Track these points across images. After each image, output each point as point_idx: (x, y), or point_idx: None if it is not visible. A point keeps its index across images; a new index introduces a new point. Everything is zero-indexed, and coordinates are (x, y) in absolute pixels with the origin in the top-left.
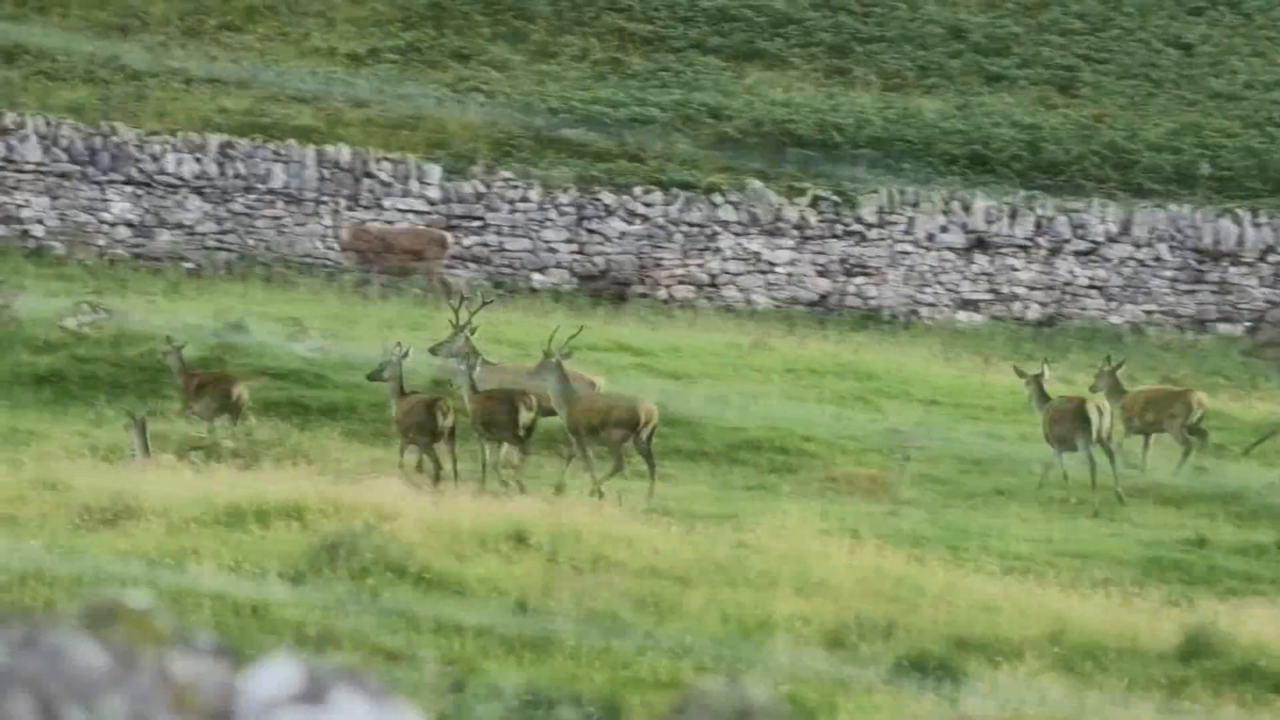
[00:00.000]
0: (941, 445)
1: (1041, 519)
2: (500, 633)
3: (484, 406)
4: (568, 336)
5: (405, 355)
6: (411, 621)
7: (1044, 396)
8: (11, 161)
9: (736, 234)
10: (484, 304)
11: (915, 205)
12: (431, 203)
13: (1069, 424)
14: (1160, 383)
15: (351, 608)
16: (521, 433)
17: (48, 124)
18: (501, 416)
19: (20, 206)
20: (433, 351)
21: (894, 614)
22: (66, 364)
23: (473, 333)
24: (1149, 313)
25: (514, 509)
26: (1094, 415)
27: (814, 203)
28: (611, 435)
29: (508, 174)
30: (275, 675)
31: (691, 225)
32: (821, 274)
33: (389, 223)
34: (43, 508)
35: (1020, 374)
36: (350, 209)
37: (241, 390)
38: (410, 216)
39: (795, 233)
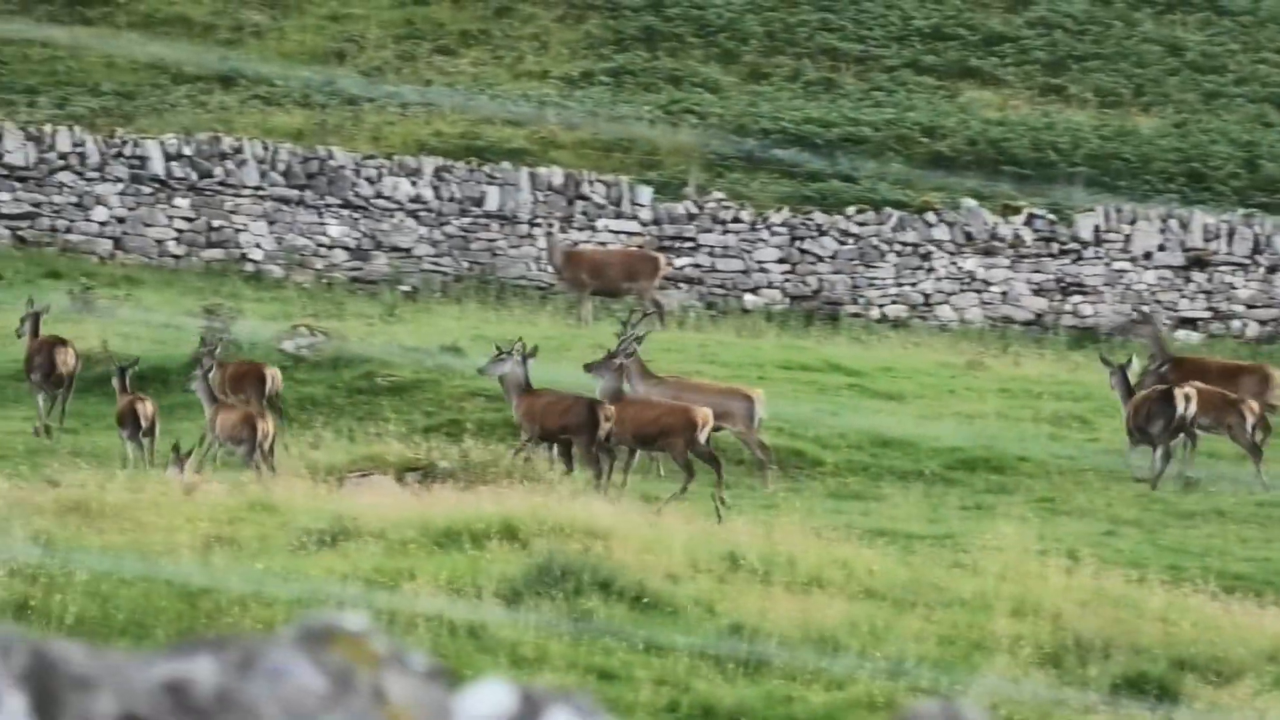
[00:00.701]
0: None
1: (1261, 538)
2: (713, 654)
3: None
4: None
5: (527, 353)
6: (626, 642)
7: (1129, 389)
8: (229, 186)
9: (950, 253)
10: (645, 315)
11: (1132, 223)
12: (643, 224)
13: (1153, 410)
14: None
15: (566, 628)
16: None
17: (265, 148)
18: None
19: (239, 230)
20: (587, 369)
21: (1112, 635)
22: (284, 387)
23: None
24: None
25: (727, 531)
26: (1180, 402)
27: (1029, 221)
28: (672, 444)
29: (720, 195)
30: (490, 696)
31: (905, 244)
32: (1037, 292)
33: (601, 244)
34: (262, 529)
35: (1106, 363)
36: (563, 230)
37: (275, 373)
38: (622, 238)
39: (1010, 251)
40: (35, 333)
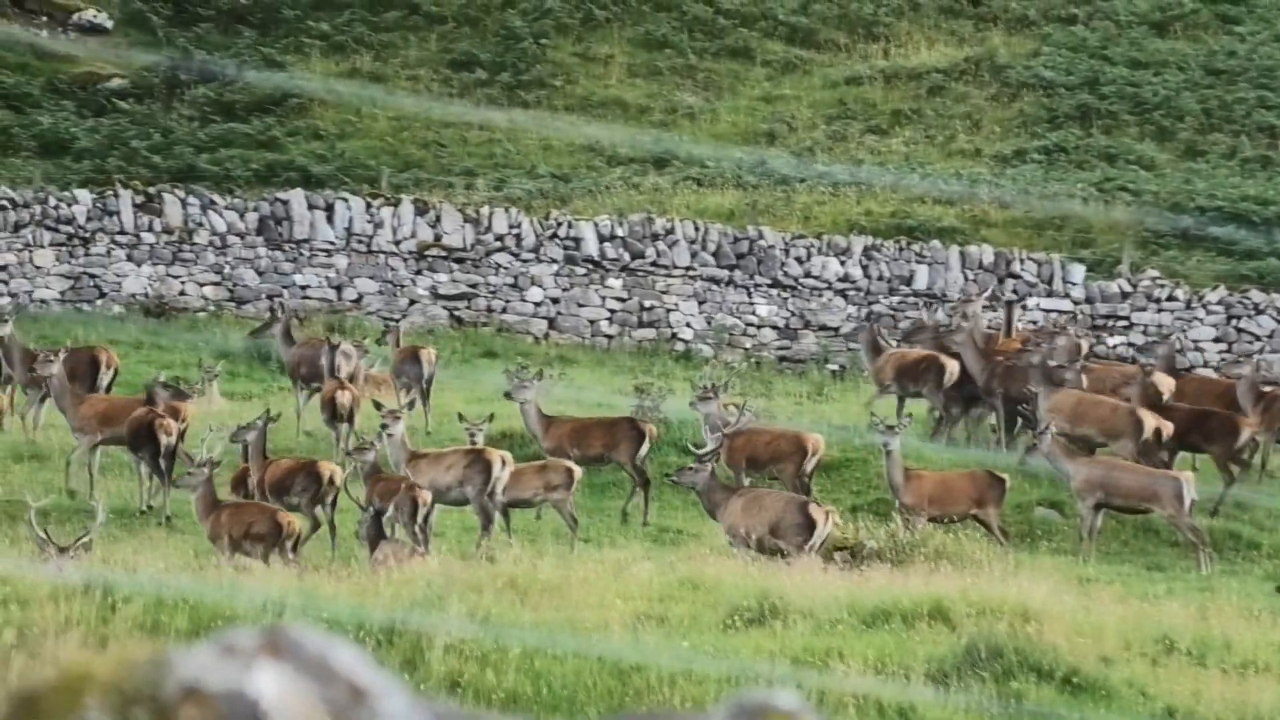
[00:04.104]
0: None
1: None
2: None
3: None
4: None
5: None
6: None
7: None
8: (661, 266)
9: None
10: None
11: None
12: (1075, 302)
13: None
14: None
15: (996, 711)
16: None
17: (696, 229)
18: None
19: (669, 310)
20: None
21: None
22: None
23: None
24: None
25: (1160, 613)
26: None
27: None
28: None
29: (1154, 273)
30: None
31: None
32: None
33: (1032, 323)
34: (691, 607)
35: None
36: (992, 309)
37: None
38: (1053, 316)
39: None
40: None
